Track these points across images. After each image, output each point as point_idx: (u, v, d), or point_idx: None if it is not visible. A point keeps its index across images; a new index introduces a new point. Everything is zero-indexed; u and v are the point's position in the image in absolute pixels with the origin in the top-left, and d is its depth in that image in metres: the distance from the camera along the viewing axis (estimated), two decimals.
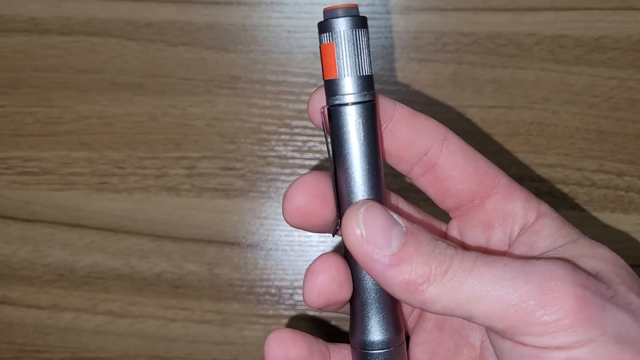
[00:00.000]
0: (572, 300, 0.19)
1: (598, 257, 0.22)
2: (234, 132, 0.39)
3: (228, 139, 0.39)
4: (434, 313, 0.20)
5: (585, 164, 0.38)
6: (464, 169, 0.24)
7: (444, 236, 0.27)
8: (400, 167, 0.25)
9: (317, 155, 0.39)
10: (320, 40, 0.22)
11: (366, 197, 0.22)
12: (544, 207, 0.24)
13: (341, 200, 0.23)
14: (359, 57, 0.22)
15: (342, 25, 0.22)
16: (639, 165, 0.38)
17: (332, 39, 0.21)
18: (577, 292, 0.19)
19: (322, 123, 0.23)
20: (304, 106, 0.39)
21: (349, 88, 0.22)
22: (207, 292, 0.39)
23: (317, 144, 0.39)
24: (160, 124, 0.39)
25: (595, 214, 0.38)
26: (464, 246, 0.25)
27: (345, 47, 0.22)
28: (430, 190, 0.25)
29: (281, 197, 0.39)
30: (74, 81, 0.40)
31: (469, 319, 0.20)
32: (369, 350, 0.23)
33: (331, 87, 0.22)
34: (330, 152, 0.23)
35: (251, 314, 0.39)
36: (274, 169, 0.39)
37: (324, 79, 0.22)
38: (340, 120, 0.22)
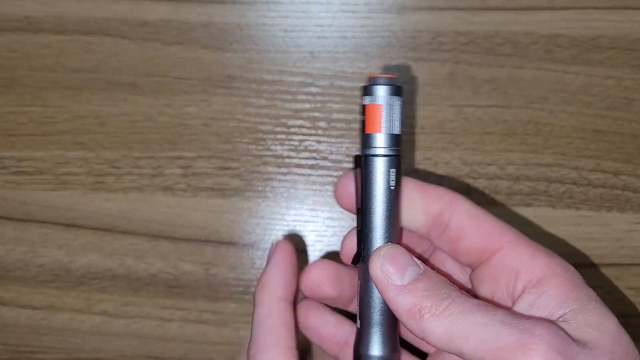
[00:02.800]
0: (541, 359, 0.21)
1: (601, 330, 0.23)
2: (230, 131, 0.39)
3: (224, 138, 0.39)
4: (431, 344, 0.23)
5: (581, 163, 0.38)
6: (469, 229, 0.27)
7: (460, 286, 0.28)
8: (420, 231, 0.29)
9: (313, 155, 0.39)
10: (364, 101, 0.26)
11: (389, 232, 0.26)
12: (557, 266, 0.25)
13: (367, 234, 0.27)
14: (397, 120, 0.26)
15: (386, 91, 0.26)
16: (636, 165, 0.38)
17: (380, 102, 0.26)
18: (548, 354, 0.21)
19: (355, 170, 0.27)
20: (300, 105, 0.39)
21: (386, 143, 0.26)
22: (204, 292, 0.39)
23: (313, 143, 0.39)
24: (155, 123, 0.39)
25: (592, 213, 0.38)
26: (475, 296, 0.26)
27: (388, 110, 0.26)
28: (446, 249, 0.28)
29: (277, 197, 0.39)
30: (68, 80, 0.39)
31: (459, 355, 0.23)
32: None
33: (370, 141, 0.26)
34: (360, 193, 0.27)
35: (248, 314, 0.39)
36: (270, 169, 0.39)
37: (364, 132, 0.27)
38: (375, 168, 0.26)
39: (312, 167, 0.39)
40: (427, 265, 0.26)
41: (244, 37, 0.39)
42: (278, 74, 0.39)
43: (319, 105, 0.39)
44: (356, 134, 0.39)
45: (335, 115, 0.39)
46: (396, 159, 0.26)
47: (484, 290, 0.27)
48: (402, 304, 0.24)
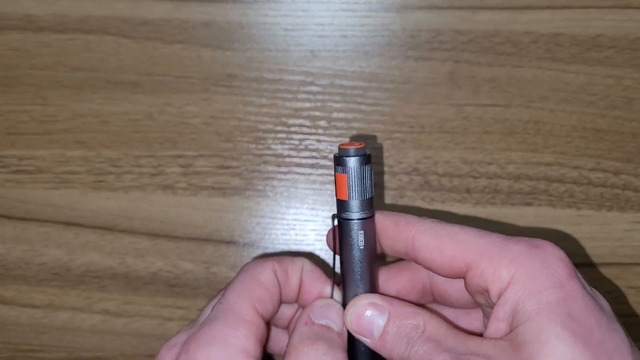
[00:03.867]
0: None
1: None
2: (231, 130, 0.39)
3: (224, 137, 0.39)
4: None
5: (582, 163, 0.38)
6: (433, 263, 0.27)
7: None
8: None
9: (314, 154, 0.39)
10: (335, 170, 0.28)
11: (361, 287, 0.29)
12: (516, 268, 0.25)
13: (343, 278, 0.29)
14: (364, 186, 0.28)
15: (352, 162, 0.27)
16: (636, 164, 0.38)
17: (345, 172, 0.28)
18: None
19: (332, 229, 0.29)
20: (300, 104, 0.39)
21: (355, 208, 0.28)
22: (204, 290, 0.39)
23: (313, 142, 0.39)
24: (156, 122, 0.39)
25: (592, 212, 0.38)
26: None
27: (354, 179, 0.28)
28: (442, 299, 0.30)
29: (278, 196, 0.39)
30: (69, 79, 0.39)
31: None
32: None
33: (342, 206, 0.28)
34: (337, 249, 0.29)
35: None
36: (270, 168, 0.39)
37: (336, 198, 0.28)
38: (347, 230, 0.28)
39: (312, 166, 0.39)
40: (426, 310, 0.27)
41: (244, 36, 0.39)
42: (278, 73, 0.39)
43: (319, 104, 0.39)
44: (356, 133, 0.39)
45: (335, 114, 0.39)
46: (366, 221, 0.28)
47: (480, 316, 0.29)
48: (382, 354, 0.27)
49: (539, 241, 0.25)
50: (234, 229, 0.39)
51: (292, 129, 0.39)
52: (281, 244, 0.39)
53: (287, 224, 0.39)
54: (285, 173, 0.39)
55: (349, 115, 0.39)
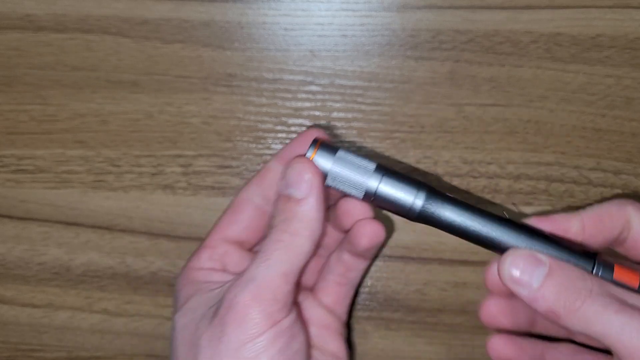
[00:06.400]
0: None
1: None
2: (230, 130, 0.39)
3: (224, 137, 0.39)
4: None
5: (582, 162, 0.38)
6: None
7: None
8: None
9: None
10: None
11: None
12: None
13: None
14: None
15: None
16: (636, 164, 0.38)
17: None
18: None
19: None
20: (300, 104, 0.39)
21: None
22: None
23: None
24: (156, 121, 0.39)
25: None
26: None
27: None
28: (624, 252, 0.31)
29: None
30: (69, 79, 0.39)
31: (607, 347, 0.25)
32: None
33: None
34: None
35: None
36: None
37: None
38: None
39: None
40: None
41: (244, 36, 0.39)
42: (278, 73, 0.39)
43: (319, 104, 0.39)
44: (356, 132, 0.39)
45: (335, 114, 0.39)
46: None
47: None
48: (539, 308, 0.26)
49: None
50: None
51: (292, 128, 0.39)
52: None
53: None
54: None
55: (349, 115, 0.39)
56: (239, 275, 0.29)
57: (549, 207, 0.38)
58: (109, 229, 0.40)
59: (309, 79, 0.39)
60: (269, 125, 0.39)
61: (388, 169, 0.29)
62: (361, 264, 0.35)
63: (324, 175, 0.29)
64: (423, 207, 0.29)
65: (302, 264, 0.29)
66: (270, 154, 0.39)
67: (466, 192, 0.39)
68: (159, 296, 0.39)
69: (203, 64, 0.39)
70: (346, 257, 0.34)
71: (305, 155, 0.29)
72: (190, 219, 0.39)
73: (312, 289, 0.35)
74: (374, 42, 0.38)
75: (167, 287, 0.39)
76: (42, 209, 0.40)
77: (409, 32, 0.38)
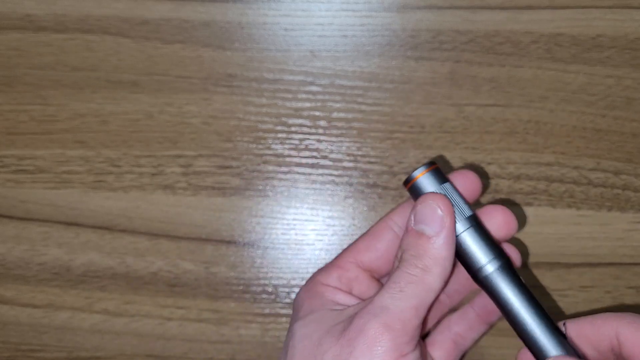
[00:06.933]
0: None
1: None
2: (231, 130, 0.39)
3: (224, 137, 0.39)
4: None
5: (582, 163, 0.38)
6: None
7: None
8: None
9: (314, 154, 0.39)
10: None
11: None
12: None
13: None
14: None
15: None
16: (636, 164, 0.38)
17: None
18: None
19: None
20: (300, 104, 0.39)
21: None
22: (204, 290, 0.39)
23: (313, 142, 0.39)
24: (156, 122, 0.39)
25: (592, 212, 0.38)
26: None
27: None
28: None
29: (278, 196, 0.39)
30: (69, 79, 0.39)
31: None
32: None
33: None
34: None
35: (248, 313, 0.39)
36: (270, 167, 0.39)
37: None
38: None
39: (312, 166, 0.39)
40: None
41: (244, 36, 0.39)
42: (279, 73, 0.39)
43: (319, 104, 0.39)
44: (356, 132, 0.39)
45: (335, 114, 0.39)
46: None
47: None
48: None
49: None
50: (234, 228, 0.39)
51: (292, 128, 0.39)
52: (281, 244, 0.39)
53: (287, 224, 0.39)
54: (285, 173, 0.39)
55: (349, 115, 0.39)
56: (368, 301, 0.28)
57: (549, 207, 0.38)
58: (109, 229, 0.40)
59: (309, 79, 0.39)
60: (269, 126, 0.39)
61: (481, 224, 0.29)
62: (482, 327, 0.34)
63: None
64: (491, 273, 0.28)
65: (431, 301, 0.28)
66: (271, 154, 0.39)
67: None
68: (159, 296, 0.39)
69: (203, 64, 0.39)
70: (471, 315, 0.34)
71: (416, 170, 0.29)
72: (190, 219, 0.39)
73: (424, 338, 0.34)
74: (374, 43, 0.38)
75: (167, 287, 0.39)
76: (42, 209, 0.40)
77: (409, 32, 0.38)
